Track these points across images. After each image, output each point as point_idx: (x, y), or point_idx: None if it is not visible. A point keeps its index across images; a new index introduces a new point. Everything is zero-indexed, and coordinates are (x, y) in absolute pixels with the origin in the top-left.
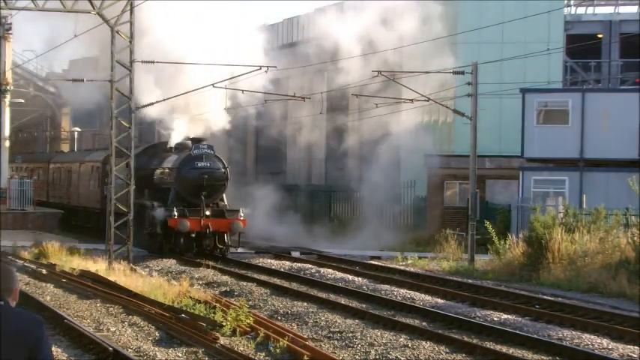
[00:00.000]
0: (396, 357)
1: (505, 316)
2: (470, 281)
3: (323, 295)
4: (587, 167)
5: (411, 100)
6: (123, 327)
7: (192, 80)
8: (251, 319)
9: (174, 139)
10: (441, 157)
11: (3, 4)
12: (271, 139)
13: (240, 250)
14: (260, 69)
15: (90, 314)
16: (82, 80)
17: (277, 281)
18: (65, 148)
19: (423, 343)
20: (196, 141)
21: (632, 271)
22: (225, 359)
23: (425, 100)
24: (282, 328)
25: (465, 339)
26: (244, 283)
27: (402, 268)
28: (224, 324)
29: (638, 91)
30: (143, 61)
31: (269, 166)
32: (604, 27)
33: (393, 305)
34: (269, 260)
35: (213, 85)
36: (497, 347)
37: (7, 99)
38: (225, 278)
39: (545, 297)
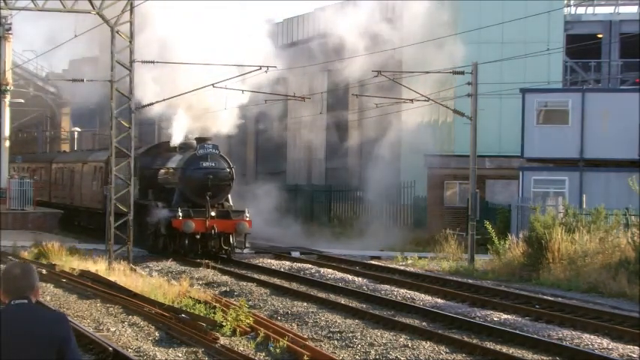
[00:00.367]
0: (396, 357)
1: (505, 316)
2: (470, 281)
3: (323, 295)
4: (587, 167)
5: (411, 100)
6: (123, 327)
7: (196, 78)
8: (251, 319)
9: (178, 138)
10: (441, 157)
11: (3, 4)
12: (271, 139)
13: (245, 251)
14: (260, 69)
15: (90, 314)
16: (82, 80)
17: (277, 281)
18: (65, 148)
19: (423, 343)
20: (201, 140)
21: (632, 271)
22: (225, 359)
23: (425, 100)
24: (282, 328)
25: (465, 339)
26: (244, 283)
27: (402, 268)
28: (224, 324)
29: (638, 91)
30: (143, 61)
31: (269, 166)
32: (604, 27)
33: (393, 305)
34: (269, 260)
35: (213, 85)
36: (497, 347)
37: (7, 99)
38: (225, 278)
39: (545, 297)
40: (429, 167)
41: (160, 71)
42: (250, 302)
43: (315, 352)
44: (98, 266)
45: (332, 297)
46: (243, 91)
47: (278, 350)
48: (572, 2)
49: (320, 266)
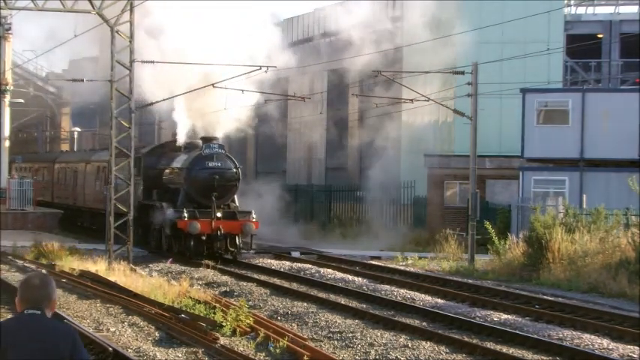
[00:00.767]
0: (396, 357)
1: (505, 316)
2: (470, 281)
3: (323, 295)
4: (587, 167)
5: (411, 100)
6: (123, 327)
7: (202, 76)
8: (251, 319)
9: (182, 135)
10: (441, 157)
11: (3, 4)
12: (271, 139)
13: (251, 252)
14: (260, 69)
15: (90, 314)
16: (82, 80)
17: (277, 281)
18: (65, 148)
19: (423, 343)
20: (207, 140)
21: (632, 271)
22: (225, 359)
23: (425, 100)
24: (282, 328)
25: (465, 339)
26: (244, 283)
27: (402, 268)
28: (224, 324)
29: (638, 91)
30: (143, 61)
31: (269, 166)
32: (604, 27)
33: (393, 305)
34: (269, 260)
35: (213, 85)
36: (498, 347)
37: (7, 99)
38: (225, 278)
39: (545, 297)
40: (429, 167)
41: (165, 67)
42: (250, 302)
43: (315, 352)
44: (98, 266)
45: (332, 297)
46: (243, 90)
47: (278, 350)
48: (572, 2)
49: (320, 266)
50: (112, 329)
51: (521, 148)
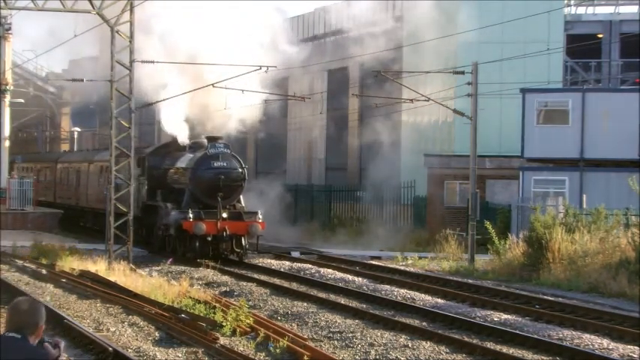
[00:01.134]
0: (396, 357)
1: (505, 316)
2: (470, 281)
3: (323, 295)
4: (587, 167)
5: (411, 100)
6: (123, 327)
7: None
8: (251, 319)
9: (183, 135)
10: (441, 157)
11: (3, 4)
12: (271, 139)
13: (256, 253)
14: (260, 69)
15: (90, 314)
16: (82, 80)
17: (277, 281)
18: (65, 147)
19: (423, 343)
20: (212, 139)
21: (632, 271)
22: (225, 359)
23: (425, 100)
24: (282, 328)
25: (465, 339)
26: (244, 283)
27: (402, 268)
28: (224, 324)
29: (638, 91)
30: (143, 61)
31: (269, 166)
32: (604, 27)
33: (393, 305)
34: (269, 260)
35: (213, 85)
36: (498, 347)
37: (7, 99)
38: (225, 278)
39: (545, 297)
40: (429, 167)
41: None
42: (250, 302)
43: (315, 352)
44: (98, 266)
45: (332, 297)
46: (243, 90)
47: (278, 350)
48: (572, 2)
49: (320, 266)
50: (112, 329)
51: (521, 148)
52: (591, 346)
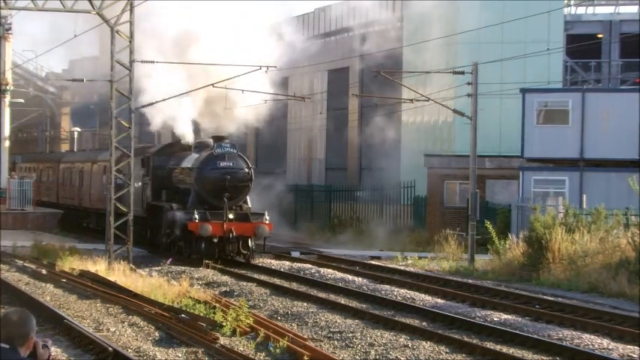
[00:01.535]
0: (396, 357)
1: (505, 316)
2: (470, 281)
3: (323, 295)
4: (587, 167)
5: (411, 100)
6: (123, 327)
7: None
8: (251, 319)
9: (188, 134)
10: (441, 157)
11: (3, 4)
12: (271, 139)
13: (263, 255)
14: (260, 69)
15: (90, 314)
16: (82, 80)
17: (277, 281)
18: (65, 147)
19: (423, 343)
20: (218, 139)
21: (632, 271)
22: (225, 359)
23: (425, 100)
24: (282, 328)
25: (465, 339)
26: (244, 283)
27: (402, 268)
28: (224, 324)
29: (638, 91)
30: (143, 61)
31: (269, 166)
32: (604, 27)
33: (393, 305)
34: (269, 260)
35: (213, 85)
36: (498, 347)
37: (7, 99)
38: (225, 278)
39: (545, 297)
40: (429, 167)
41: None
42: (250, 302)
43: (315, 352)
44: (98, 266)
45: (332, 297)
46: (243, 90)
47: (278, 350)
48: (572, 2)
49: (320, 266)
50: (112, 329)
51: (521, 148)
52: (591, 346)
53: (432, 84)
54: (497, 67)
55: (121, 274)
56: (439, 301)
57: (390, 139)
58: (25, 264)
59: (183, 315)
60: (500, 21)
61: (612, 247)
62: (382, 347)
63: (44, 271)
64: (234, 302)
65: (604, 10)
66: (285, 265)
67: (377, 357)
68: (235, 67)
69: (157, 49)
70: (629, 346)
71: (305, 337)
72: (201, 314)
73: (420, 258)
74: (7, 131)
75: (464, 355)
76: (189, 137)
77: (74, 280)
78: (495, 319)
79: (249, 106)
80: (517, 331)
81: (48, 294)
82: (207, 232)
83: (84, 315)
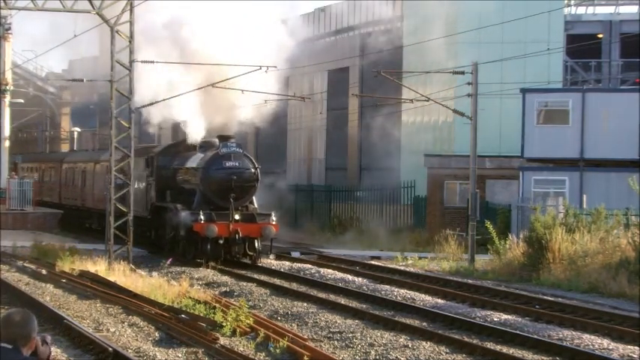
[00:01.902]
0: (396, 357)
1: (505, 316)
2: (470, 281)
3: (323, 295)
4: (587, 167)
5: (411, 100)
6: (123, 327)
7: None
8: (251, 319)
9: (193, 134)
10: (440, 157)
11: (3, 4)
12: (271, 139)
13: (271, 256)
14: (260, 69)
15: (90, 314)
16: (82, 80)
17: (277, 281)
18: (65, 147)
19: (423, 343)
20: (224, 138)
21: (632, 271)
22: (225, 359)
23: (425, 100)
24: (282, 329)
25: (465, 339)
26: (244, 284)
27: (402, 268)
28: (224, 324)
29: (638, 91)
30: (143, 61)
31: (269, 166)
32: (604, 27)
33: (393, 305)
34: (269, 260)
35: (213, 85)
36: (498, 347)
37: (7, 99)
38: (225, 278)
39: (545, 297)
40: (429, 167)
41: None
42: (250, 302)
43: (315, 353)
44: (98, 266)
45: (332, 297)
46: (243, 91)
47: (278, 350)
48: (572, 2)
49: (320, 266)
50: (112, 329)
51: (521, 148)
52: (591, 346)
53: (432, 84)
54: (497, 67)
55: (121, 275)
56: (439, 301)
57: (390, 139)
58: (25, 264)
59: (183, 315)
60: (500, 21)
61: (612, 247)
62: (382, 347)
63: (44, 272)
64: (234, 302)
65: (604, 10)
66: (285, 265)
67: (377, 357)
68: (235, 67)
69: (157, 47)
70: (629, 346)
71: (305, 337)
72: (201, 314)
73: (420, 258)
74: (7, 131)
75: (464, 355)
76: (194, 136)
77: (74, 281)
78: (495, 320)
79: (253, 106)
80: (517, 331)
81: (48, 294)
82: (213, 233)
83: (84, 315)
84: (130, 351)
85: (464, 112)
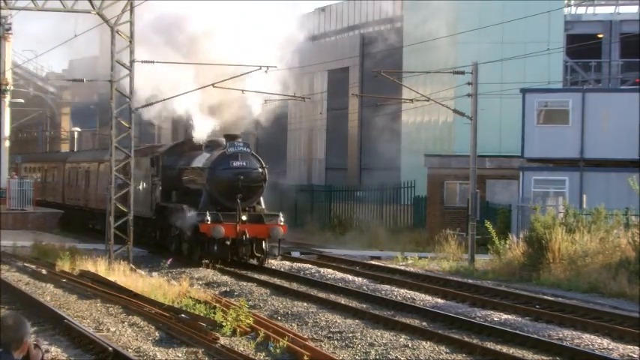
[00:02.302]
0: (396, 357)
1: (505, 316)
2: (470, 281)
3: (323, 295)
4: (587, 167)
5: (411, 100)
6: (123, 327)
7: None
8: (251, 319)
9: (200, 133)
10: (441, 157)
11: (3, 4)
12: (271, 139)
13: (278, 258)
14: (260, 69)
15: (90, 314)
16: (82, 80)
17: (277, 281)
18: (65, 148)
19: (423, 343)
20: (230, 138)
21: (632, 271)
22: (225, 359)
23: (425, 100)
24: (282, 328)
25: (465, 339)
26: (244, 283)
27: (402, 268)
28: (224, 324)
29: (638, 91)
30: (143, 61)
31: (269, 166)
32: (604, 27)
33: (393, 305)
34: (269, 260)
35: (213, 85)
36: (498, 347)
37: (7, 99)
38: (225, 278)
39: (545, 297)
40: (429, 167)
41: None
42: (250, 302)
43: (315, 352)
44: (98, 266)
45: (332, 297)
46: (243, 91)
47: (278, 350)
48: (572, 2)
49: (320, 266)
50: (112, 329)
51: (521, 148)
52: (591, 346)
53: (433, 84)
54: (497, 67)
55: (121, 274)
56: (439, 301)
57: (390, 139)
58: (25, 264)
59: (183, 315)
60: (500, 21)
61: (612, 247)
62: (382, 347)
63: (44, 271)
64: (234, 302)
65: (604, 10)
66: (285, 265)
67: (377, 357)
68: (234, 67)
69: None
70: (629, 346)
71: (305, 337)
72: (202, 314)
73: (420, 258)
74: (7, 131)
75: (464, 355)
76: (200, 135)
77: (74, 280)
78: (495, 319)
79: (260, 105)
80: (517, 331)
81: (48, 294)
82: (220, 234)
83: (84, 315)
84: (130, 351)
85: (464, 112)
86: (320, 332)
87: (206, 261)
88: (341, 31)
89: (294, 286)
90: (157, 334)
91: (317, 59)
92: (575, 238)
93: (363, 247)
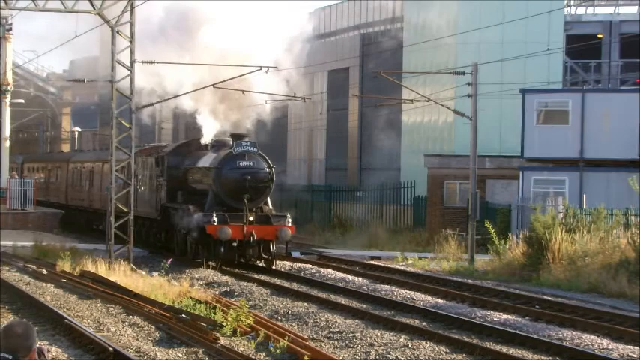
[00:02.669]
0: (396, 357)
1: (505, 316)
2: (470, 281)
3: (323, 295)
4: (587, 167)
5: (411, 101)
6: (123, 327)
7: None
8: (251, 319)
9: (207, 133)
10: (441, 157)
11: (3, 5)
12: (271, 139)
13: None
14: (260, 69)
15: (90, 314)
16: (83, 80)
17: (277, 281)
18: (66, 148)
19: (423, 343)
20: (237, 137)
21: (632, 271)
22: (226, 359)
23: (425, 100)
24: (282, 328)
25: (465, 339)
26: (244, 283)
27: (402, 268)
28: (224, 324)
29: (638, 91)
30: (143, 62)
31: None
32: (604, 27)
33: (393, 305)
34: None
35: (213, 85)
36: (498, 347)
37: (8, 99)
38: (226, 278)
39: (545, 297)
40: (429, 167)
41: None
42: (250, 302)
43: (316, 352)
44: (99, 266)
45: (332, 297)
46: (243, 91)
47: (278, 350)
48: (572, 2)
49: (320, 266)
50: (113, 329)
51: (521, 148)
52: (591, 346)
53: (433, 84)
54: (497, 67)
55: (121, 274)
56: (439, 301)
57: (390, 139)
58: (26, 264)
59: (183, 315)
60: (500, 21)
61: (612, 247)
62: (382, 347)
63: (45, 271)
64: (234, 302)
65: (604, 11)
66: (285, 265)
67: (377, 357)
68: (235, 67)
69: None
70: (629, 346)
71: (305, 337)
72: (202, 314)
73: (420, 258)
74: (7, 131)
75: (464, 355)
76: (206, 134)
77: (75, 280)
78: (495, 319)
79: (258, 105)
80: (517, 331)
81: (48, 294)
82: (227, 236)
83: (84, 315)
84: (130, 350)
85: (464, 112)
86: (320, 332)
87: (212, 263)
88: (341, 31)
89: (295, 286)
90: (157, 334)
91: (317, 59)
92: (574, 238)
93: (363, 247)
